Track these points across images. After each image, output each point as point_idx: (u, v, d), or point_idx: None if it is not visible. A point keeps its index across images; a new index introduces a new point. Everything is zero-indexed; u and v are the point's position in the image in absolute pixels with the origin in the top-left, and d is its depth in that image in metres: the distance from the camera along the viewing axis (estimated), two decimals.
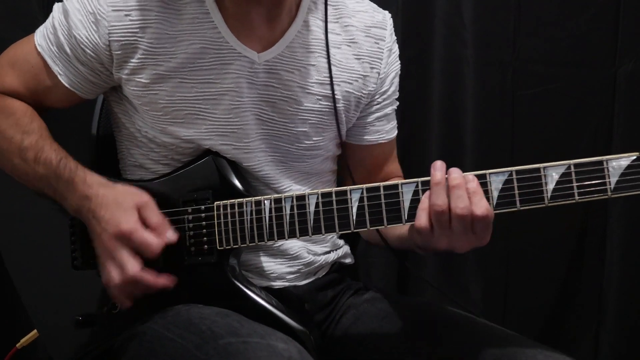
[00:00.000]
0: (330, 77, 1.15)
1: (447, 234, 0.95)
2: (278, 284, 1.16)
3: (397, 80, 1.25)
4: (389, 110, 1.25)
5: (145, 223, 1.02)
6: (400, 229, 1.08)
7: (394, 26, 1.25)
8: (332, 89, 1.15)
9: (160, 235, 1.02)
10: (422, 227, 0.95)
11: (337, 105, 1.16)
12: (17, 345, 1.23)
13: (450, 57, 1.81)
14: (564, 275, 1.91)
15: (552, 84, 1.83)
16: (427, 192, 0.96)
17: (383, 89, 1.22)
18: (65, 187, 1.06)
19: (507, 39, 1.81)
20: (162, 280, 1.02)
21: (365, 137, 1.24)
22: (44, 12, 1.62)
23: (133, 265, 1.00)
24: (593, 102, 1.85)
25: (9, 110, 1.13)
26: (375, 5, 1.24)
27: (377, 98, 1.22)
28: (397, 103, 1.28)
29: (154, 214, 1.03)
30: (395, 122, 1.29)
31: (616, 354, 1.92)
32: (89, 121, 1.33)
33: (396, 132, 1.29)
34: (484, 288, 1.88)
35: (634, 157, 0.93)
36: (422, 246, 1.01)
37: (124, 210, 1.01)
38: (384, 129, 1.25)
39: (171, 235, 1.03)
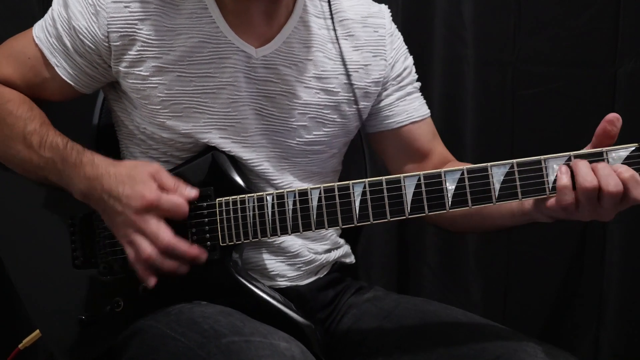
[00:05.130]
0: (346, 68, 1.16)
1: (594, 209, 0.93)
2: (279, 283, 1.16)
3: (409, 63, 1.25)
4: (410, 88, 1.25)
5: (162, 188, 1.03)
6: (519, 206, 1.05)
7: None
8: (349, 79, 1.16)
9: (182, 195, 1.04)
10: (567, 204, 0.92)
11: (336, 98, 1.17)
12: (20, 346, 1.23)
13: (450, 57, 1.81)
14: (564, 275, 1.91)
15: (552, 84, 1.83)
16: (563, 168, 0.94)
17: (395, 73, 1.22)
18: (72, 170, 1.05)
19: (507, 39, 1.81)
20: (194, 250, 1.03)
21: (394, 120, 1.23)
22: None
23: (167, 233, 1.01)
24: (593, 102, 1.85)
25: (7, 97, 1.13)
26: (370, 0, 1.25)
27: (391, 82, 1.22)
28: (419, 83, 1.27)
29: (168, 178, 1.05)
30: (424, 101, 1.27)
31: (616, 353, 1.92)
32: (89, 118, 1.33)
33: (428, 111, 1.27)
34: (484, 288, 1.88)
35: (633, 148, 0.94)
36: (565, 218, 0.97)
37: (142, 181, 1.02)
38: (411, 107, 1.24)
39: (190, 192, 1.05)
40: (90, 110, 1.33)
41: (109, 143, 1.24)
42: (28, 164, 1.10)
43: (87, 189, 1.05)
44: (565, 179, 0.92)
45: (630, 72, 1.83)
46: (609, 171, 0.91)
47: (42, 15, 1.33)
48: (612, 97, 1.84)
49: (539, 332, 1.91)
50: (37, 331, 1.19)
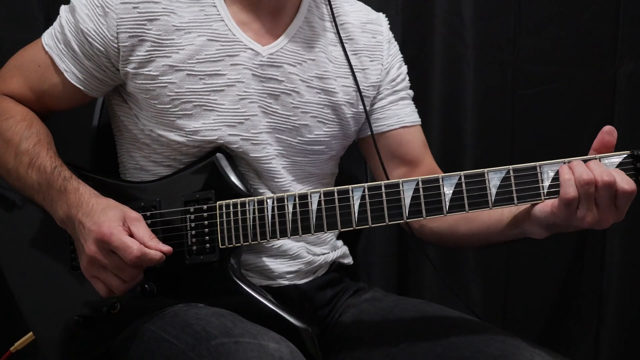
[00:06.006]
0: (351, 67, 1.18)
1: (591, 207, 0.93)
2: (278, 282, 1.17)
3: (403, 70, 1.27)
4: (403, 94, 1.26)
5: (130, 235, 1.00)
6: (510, 219, 1.05)
7: (394, 26, 1.30)
8: (355, 79, 1.18)
9: (151, 248, 0.99)
10: (571, 198, 0.92)
11: (336, 99, 1.18)
12: (11, 348, 1.21)
13: (450, 57, 1.81)
14: (564, 275, 1.92)
15: (552, 84, 1.84)
16: (564, 166, 0.95)
17: (389, 78, 1.24)
18: (56, 196, 1.05)
19: (507, 39, 1.81)
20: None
21: (385, 123, 1.24)
22: (44, 12, 1.62)
23: (118, 285, 1.01)
24: (593, 102, 1.85)
25: (9, 113, 1.13)
26: (369, 8, 1.28)
27: (386, 86, 1.24)
28: (411, 92, 1.28)
29: (144, 229, 1.01)
30: (416, 109, 1.28)
31: (616, 354, 1.92)
32: (89, 120, 1.33)
33: (419, 119, 1.28)
34: (484, 288, 1.88)
35: (625, 155, 0.95)
36: (562, 224, 0.96)
37: (109, 216, 1.00)
38: (403, 112, 1.25)
39: (165, 246, 1.01)
40: (90, 112, 1.33)
41: (109, 145, 1.24)
42: (17, 182, 1.10)
43: (66, 216, 1.04)
44: (567, 174, 0.94)
45: (630, 72, 1.83)
46: (601, 166, 0.94)
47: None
48: (612, 97, 1.84)
49: (538, 332, 1.91)
50: (30, 334, 1.18)
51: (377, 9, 1.30)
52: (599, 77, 1.84)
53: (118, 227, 0.98)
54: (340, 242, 1.30)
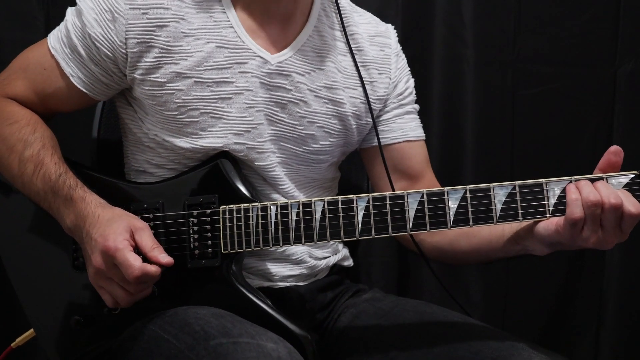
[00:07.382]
0: (360, 78, 1.18)
1: (596, 228, 0.93)
2: (280, 284, 1.17)
3: (410, 84, 1.27)
4: (409, 108, 1.26)
5: (137, 247, 0.99)
6: (511, 235, 1.05)
7: (394, 27, 1.28)
8: (365, 90, 1.18)
9: (151, 259, 0.98)
10: (577, 218, 0.92)
11: (343, 109, 1.18)
12: (12, 344, 1.22)
13: (450, 57, 1.81)
14: (564, 275, 1.91)
15: (552, 84, 1.83)
16: (571, 186, 0.95)
17: (397, 92, 1.24)
18: (62, 204, 1.04)
19: (507, 39, 1.81)
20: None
21: (389, 136, 1.24)
22: (44, 12, 1.62)
23: (123, 298, 1.00)
24: (593, 102, 1.85)
25: (14, 117, 1.12)
26: (378, 19, 1.27)
27: (392, 99, 1.23)
28: (417, 106, 1.28)
29: (148, 238, 1.00)
30: (421, 124, 1.28)
31: (616, 354, 1.92)
32: (90, 124, 1.33)
33: (424, 134, 1.27)
34: (484, 289, 1.87)
35: (633, 176, 0.94)
36: (566, 243, 0.97)
37: (114, 229, 0.99)
38: (407, 126, 1.25)
39: (166, 258, 0.99)
40: (89, 123, 1.33)
41: (109, 155, 1.24)
42: (22, 188, 1.10)
43: (74, 226, 1.04)
44: (574, 194, 0.94)
45: (630, 72, 1.83)
46: (609, 187, 0.94)
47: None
48: (612, 97, 1.84)
49: (538, 333, 1.91)
50: (31, 330, 1.18)
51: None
52: (599, 77, 1.84)
53: (124, 242, 0.97)
54: (341, 245, 1.29)
